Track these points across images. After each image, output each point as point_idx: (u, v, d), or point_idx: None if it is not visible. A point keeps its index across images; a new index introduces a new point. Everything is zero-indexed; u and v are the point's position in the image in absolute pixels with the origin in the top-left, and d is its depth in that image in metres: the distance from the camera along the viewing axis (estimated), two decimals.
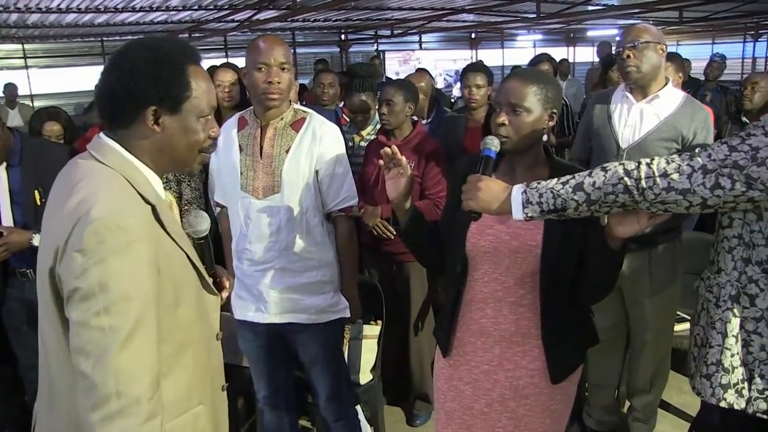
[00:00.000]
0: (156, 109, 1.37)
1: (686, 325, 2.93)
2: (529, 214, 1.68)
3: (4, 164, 2.81)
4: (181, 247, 1.42)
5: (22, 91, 9.48)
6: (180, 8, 8.14)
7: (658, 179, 1.57)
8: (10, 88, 8.88)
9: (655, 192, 1.58)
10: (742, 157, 1.56)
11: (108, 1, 7.20)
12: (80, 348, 1.24)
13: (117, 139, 1.40)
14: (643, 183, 1.58)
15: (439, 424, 2.21)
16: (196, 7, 8.20)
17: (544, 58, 5.28)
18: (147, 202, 1.36)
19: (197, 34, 10.34)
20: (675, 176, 1.57)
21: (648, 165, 1.60)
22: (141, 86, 1.35)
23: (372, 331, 3.02)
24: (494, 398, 2.03)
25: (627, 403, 3.33)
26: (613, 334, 3.04)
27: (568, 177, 1.67)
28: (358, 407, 2.91)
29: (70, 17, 8.12)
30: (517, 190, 1.70)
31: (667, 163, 1.59)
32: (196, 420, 1.47)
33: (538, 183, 1.70)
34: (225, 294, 1.70)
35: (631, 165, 1.61)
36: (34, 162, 2.81)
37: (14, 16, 7.76)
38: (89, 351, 1.22)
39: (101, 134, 1.43)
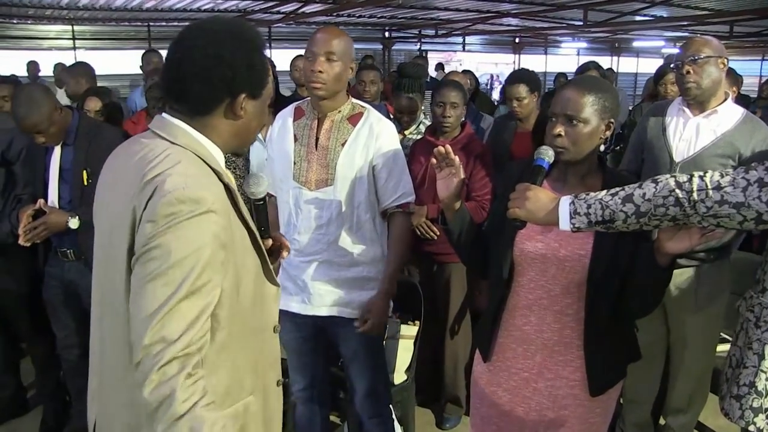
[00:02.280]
0: (245, 96, 1.40)
1: (728, 346, 2.88)
2: (577, 225, 1.65)
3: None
4: (249, 229, 1.43)
5: None
6: None
7: (710, 192, 1.51)
8: (59, 68, 9.02)
9: (707, 205, 1.51)
10: None
11: None
12: (137, 303, 1.24)
13: (187, 120, 1.40)
14: (695, 195, 1.52)
15: (473, 428, 2.19)
16: None
17: (592, 66, 5.22)
18: (221, 180, 1.37)
19: None
20: (729, 189, 1.50)
21: (701, 177, 1.54)
22: (239, 75, 1.37)
23: (409, 331, 3.01)
24: (532, 407, 2.01)
25: (662, 422, 3.27)
26: (653, 349, 2.97)
27: (617, 189, 1.64)
28: (390, 406, 2.89)
29: (119, 1, 8.25)
30: (565, 201, 1.67)
31: (721, 176, 1.53)
32: (246, 410, 1.46)
33: (587, 194, 1.67)
34: (285, 254, 1.73)
35: (683, 177, 1.56)
36: (87, 143, 2.85)
37: None
38: (144, 306, 1.22)
39: (164, 114, 1.42)
